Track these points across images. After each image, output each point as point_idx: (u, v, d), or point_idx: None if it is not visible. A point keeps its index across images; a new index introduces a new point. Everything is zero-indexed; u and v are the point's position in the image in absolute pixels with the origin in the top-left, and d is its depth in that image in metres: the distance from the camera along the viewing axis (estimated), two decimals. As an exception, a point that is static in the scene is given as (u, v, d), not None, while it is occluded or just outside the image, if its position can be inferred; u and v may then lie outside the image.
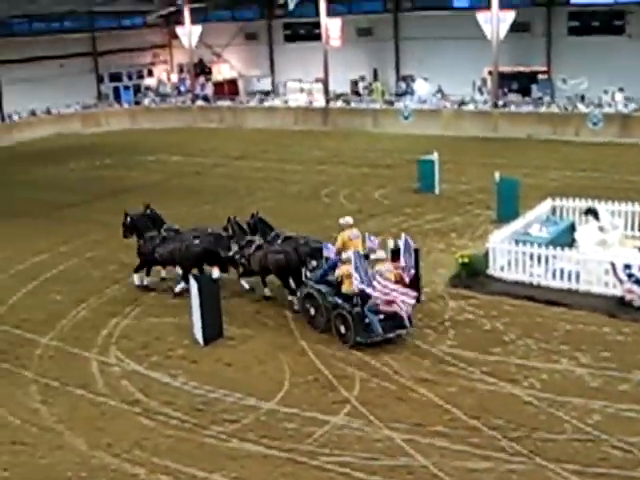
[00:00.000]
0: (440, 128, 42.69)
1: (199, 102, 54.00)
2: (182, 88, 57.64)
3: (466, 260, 19.40)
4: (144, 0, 53.49)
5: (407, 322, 16.14)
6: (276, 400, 14.16)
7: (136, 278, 20.50)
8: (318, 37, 49.31)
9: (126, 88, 58.09)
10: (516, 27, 41.80)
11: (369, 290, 15.73)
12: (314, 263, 17.87)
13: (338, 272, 16.65)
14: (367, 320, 16.03)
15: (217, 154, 40.57)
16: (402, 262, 16.67)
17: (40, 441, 13.34)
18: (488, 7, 41.14)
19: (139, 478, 12.10)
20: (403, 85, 50.22)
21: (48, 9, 48.69)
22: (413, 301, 16.15)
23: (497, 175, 24.60)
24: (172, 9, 53.07)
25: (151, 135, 48.92)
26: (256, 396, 14.31)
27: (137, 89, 58.30)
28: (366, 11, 52.64)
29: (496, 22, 40.85)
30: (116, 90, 57.74)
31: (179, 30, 54.21)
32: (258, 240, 19.13)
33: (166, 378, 15.31)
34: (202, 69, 58.20)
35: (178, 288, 19.60)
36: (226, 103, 53.54)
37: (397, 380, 14.62)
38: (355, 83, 52.24)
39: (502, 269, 19.35)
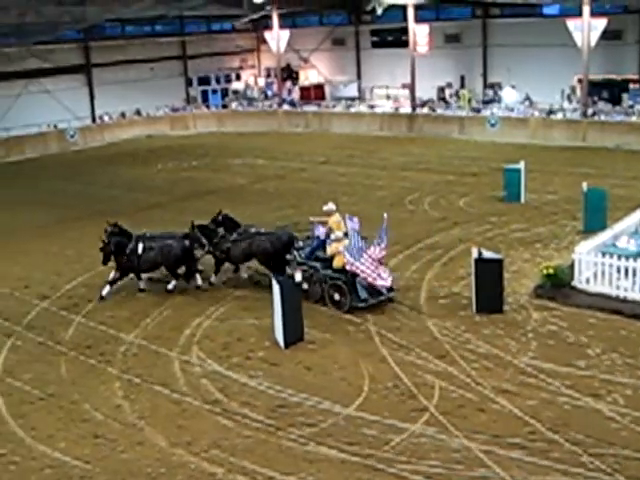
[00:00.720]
0: (527, 136, 42.18)
1: (285, 107, 54.42)
2: (269, 92, 58.22)
3: (551, 271, 19.09)
4: (233, 5, 54.09)
5: (385, 291, 18.70)
6: (355, 406, 14.14)
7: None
8: (405, 43, 49.23)
9: (214, 92, 58.99)
10: (607, 35, 41.01)
11: (357, 265, 18.10)
12: (300, 244, 20.32)
13: (330, 250, 19.13)
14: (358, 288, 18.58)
15: (302, 158, 40.81)
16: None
17: (121, 436, 13.59)
18: (579, 14, 40.39)
19: (217, 477, 12.21)
20: (490, 92, 49.83)
21: (140, 13, 49.67)
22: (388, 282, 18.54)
23: (585, 185, 24.14)
24: (261, 14, 53.56)
25: (237, 138, 49.49)
26: (335, 401, 14.32)
27: (225, 93, 59.15)
28: (454, 17, 52.43)
29: (587, 29, 40.15)
30: (204, 93, 58.72)
31: (267, 35, 54.75)
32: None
33: (246, 379, 15.43)
34: (289, 74, 58.68)
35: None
36: (312, 108, 53.83)
37: (477, 390, 14.47)
38: (442, 90, 52.01)
39: (588, 281, 18.96)
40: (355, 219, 19.63)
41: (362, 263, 18.11)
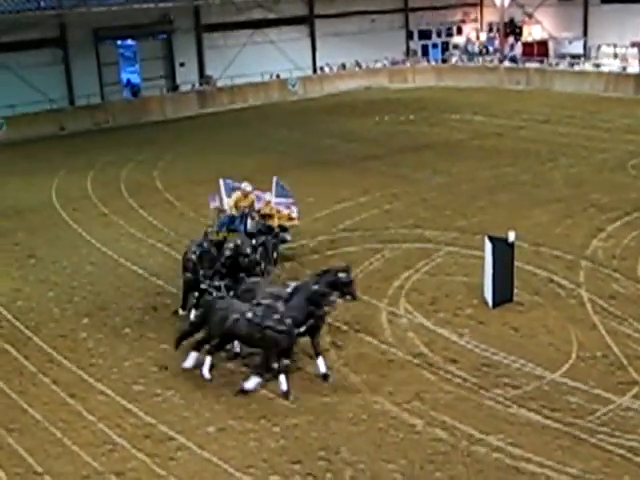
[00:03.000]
0: None
1: (506, 63, 53.22)
2: (490, 48, 57.09)
3: None
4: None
5: None
6: (561, 372, 13.87)
7: None
8: (638, -1, 46.76)
9: (434, 45, 58.56)
10: None
11: None
12: None
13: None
14: None
15: (521, 116, 39.89)
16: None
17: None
18: None
19: (416, 429, 12.36)
20: None
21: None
22: None
23: None
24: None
25: (456, 94, 48.98)
26: (540, 365, 14.11)
27: (445, 47, 58.51)
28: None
29: None
30: (424, 47, 58.38)
31: (492, -12, 53.58)
32: None
33: (452, 335, 15.47)
34: (512, 29, 57.21)
35: None
36: (534, 65, 52.31)
37: (693, 368, 13.85)
38: (675, 49, 49.17)
39: None
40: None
41: None
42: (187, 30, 49.62)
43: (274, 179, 20.09)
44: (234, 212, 18.50)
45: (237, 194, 18.76)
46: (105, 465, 11.70)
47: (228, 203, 19.06)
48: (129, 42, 50.39)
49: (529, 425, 12.33)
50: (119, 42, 49.27)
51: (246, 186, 18.74)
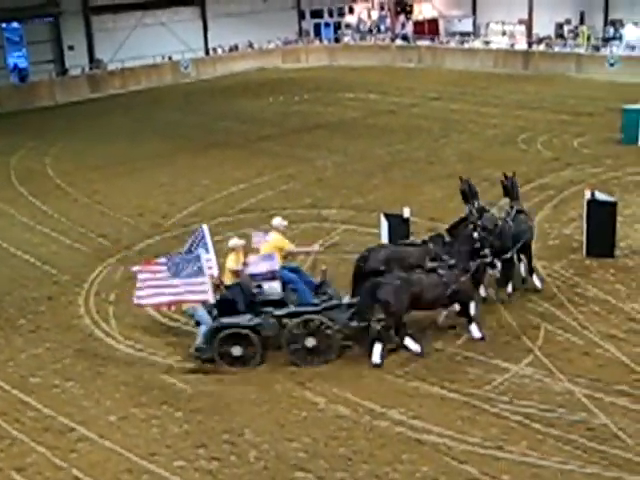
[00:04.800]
0: (649, 77, 40.63)
1: (398, 41, 53.77)
2: (382, 26, 57.53)
3: (666, 217, 18.58)
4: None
5: None
6: (458, 343, 14.19)
7: None
8: (524, -23, 47.72)
9: (326, 25, 58.62)
10: None
11: None
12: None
13: None
14: None
15: (414, 94, 40.38)
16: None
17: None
18: None
19: (319, 407, 12.48)
20: (611, 30, 48.05)
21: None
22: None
23: None
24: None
25: (349, 73, 49.22)
26: (439, 338, 14.39)
27: (337, 26, 58.67)
28: (577, -50, 50.49)
29: None
30: (317, 27, 58.42)
31: (382, -33, 53.92)
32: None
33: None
34: (403, 8, 57.76)
35: None
36: (425, 43, 53.06)
37: (583, 334, 14.29)
38: (560, 26, 50.42)
39: None
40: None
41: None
42: (75, 12, 48.38)
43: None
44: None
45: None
46: (4, 461, 11.43)
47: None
48: (14, 25, 48.83)
49: (429, 397, 12.56)
50: (4, 25, 47.70)
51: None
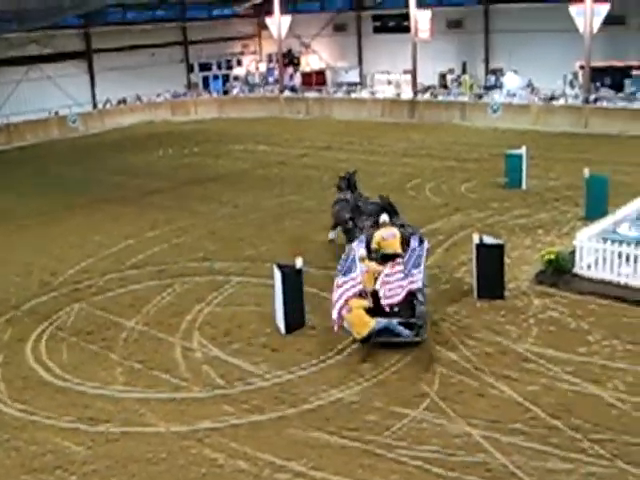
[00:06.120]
0: (529, 122, 42.08)
1: (287, 92, 54.32)
2: (270, 78, 58.09)
3: (552, 257, 19.09)
4: (235, -10, 54.00)
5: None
6: (356, 391, 14.18)
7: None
8: (407, 29, 48.95)
9: (215, 77, 58.94)
10: (610, 20, 40.75)
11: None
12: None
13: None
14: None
15: (303, 144, 40.76)
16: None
17: (120, 421, 13.65)
18: (581, 0, 40.29)
19: (218, 462, 12.24)
20: (492, 78, 49.73)
21: (141, -1, 49.65)
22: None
23: (586, 171, 24.14)
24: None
25: (239, 124, 49.42)
26: (336, 387, 14.34)
27: (226, 79, 59.04)
28: (456, 3, 52.27)
29: (589, 15, 40.02)
30: (205, 79, 58.68)
31: (268, 20, 54.55)
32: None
33: (247, 365, 15.43)
34: (290, 60, 58.56)
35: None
36: (313, 94, 53.71)
37: (478, 376, 14.50)
38: (443, 76, 51.91)
39: (589, 267, 18.97)
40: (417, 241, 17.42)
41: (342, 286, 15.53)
42: (-44, 67, 47.31)
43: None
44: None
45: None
46: None
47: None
48: None
49: (329, 447, 12.48)
50: None
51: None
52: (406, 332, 15.76)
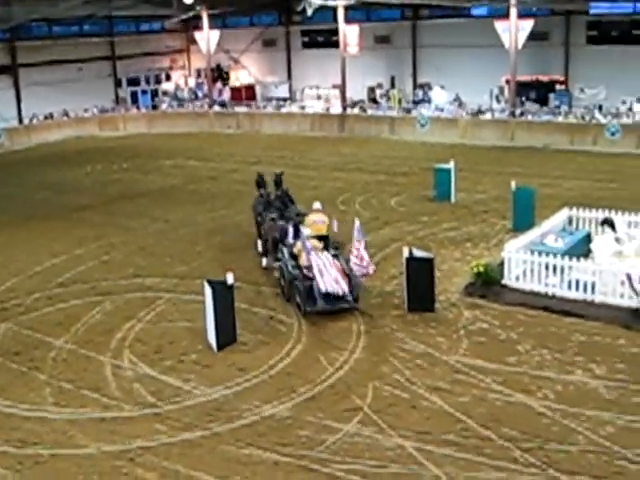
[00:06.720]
0: (457, 136, 42.71)
1: (216, 107, 54.20)
2: (199, 93, 57.87)
3: (481, 269, 19.35)
4: (163, 5, 53.63)
5: (350, 298, 18.03)
6: (289, 406, 14.14)
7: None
8: (336, 44, 49.36)
9: (144, 92, 58.46)
10: (534, 36, 41.79)
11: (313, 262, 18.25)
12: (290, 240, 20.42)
13: (296, 248, 19.40)
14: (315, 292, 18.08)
15: (233, 159, 40.67)
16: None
17: (50, 442, 13.36)
18: (507, 16, 41.09)
19: (151, 483, 12.10)
20: (420, 93, 50.29)
21: (68, 13, 48.91)
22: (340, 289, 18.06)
23: (513, 184, 24.56)
24: (191, 14, 53.13)
25: (168, 140, 49.10)
26: (268, 402, 14.29)
27: (155, 93, 58.61)
28: (384, 19, 52.74)
29: (514, 31, 40.83)
30: (134, 94, 58.12)
31: (197, 35, 54.46)
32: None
33: (179, 382, 15.29)
34: (220, 74, 58.46)
35: None
36: (243, 109, 53.67)
37: (409, 388, 14.57)
38: (372, 90, 52.35)
39: (517, 279, 19.26)
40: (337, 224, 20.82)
41: (317, 265, 18.18)
42: None
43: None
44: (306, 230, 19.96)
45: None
46: None
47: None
48: None
49: (262, 463, 12.40)
50: None
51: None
52: (351, 298, 17.98)
